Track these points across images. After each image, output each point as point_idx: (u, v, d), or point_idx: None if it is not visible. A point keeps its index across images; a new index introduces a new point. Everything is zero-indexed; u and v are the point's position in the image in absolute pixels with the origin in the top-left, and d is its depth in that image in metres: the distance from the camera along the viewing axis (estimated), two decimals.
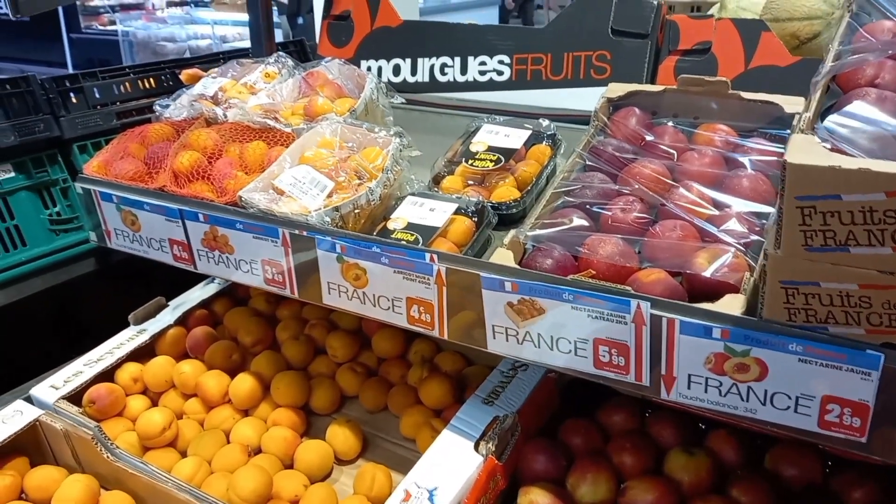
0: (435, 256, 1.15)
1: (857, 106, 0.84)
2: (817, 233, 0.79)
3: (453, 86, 1.87)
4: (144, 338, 1.68)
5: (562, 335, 1.07)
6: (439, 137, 1.60)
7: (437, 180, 1.47)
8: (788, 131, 1.29)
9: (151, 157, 1.54)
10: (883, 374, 0.84)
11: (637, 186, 1.24)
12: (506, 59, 1.79)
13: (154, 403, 1.60)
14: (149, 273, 1.69)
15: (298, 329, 1.74)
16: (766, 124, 1.36)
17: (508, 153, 1.45)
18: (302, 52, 2.46)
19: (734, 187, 1.21)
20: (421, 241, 1.24)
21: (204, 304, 1.82)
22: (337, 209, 1.28)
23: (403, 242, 1.22)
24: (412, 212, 1.32)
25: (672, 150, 1.32)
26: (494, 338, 1.14)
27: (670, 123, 1.40)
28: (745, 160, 1.27)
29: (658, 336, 0.98)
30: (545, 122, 1.54)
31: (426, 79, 1.90)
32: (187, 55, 5.31)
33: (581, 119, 1.57)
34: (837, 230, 0.78)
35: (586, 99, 1.68)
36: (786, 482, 1.26)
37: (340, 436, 1.49)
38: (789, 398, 0.92)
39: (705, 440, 1.35)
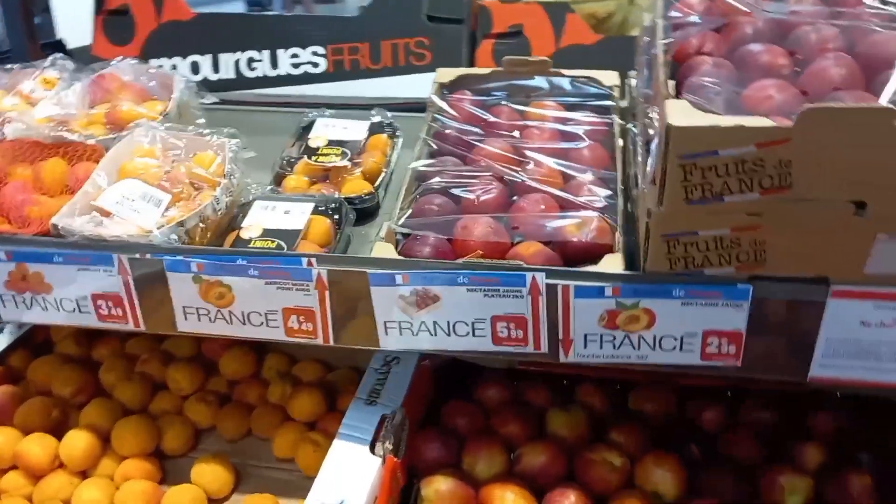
0: (313, 260, 1.07)
1: (704, 72, 0.94)
2: (696, 187, 0.88)
3: (265, 81, 1.76)
4: None
5: (459, 319, 1.06)
6: (267, 137, 1.49)
7: (278, 181, 1.37)
8: (610, 102, 1.42)
9: None
10: (752, 303, 0.96)
11: (490, 165, 1.28)
12: (320, 49, 1.72)
13: None
14: None
15: (127, 368, 1.53)
16: (586, 98, 1.47)
17: (352, 146, 1.40)
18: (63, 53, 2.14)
19: (578, 158, 1.29)
20: (285, 246, 1.15)
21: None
22: (181, 224, 1.14)
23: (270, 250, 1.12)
24: (265, 217, 1.22)
25: (513, 128, 1.37)
26: (387, 334, 1.10)
27: (504, 103, 1.46)
28: (578, 131, 1.37)
29: (554, 304, 1.02)
30: (378, 113, 1.51)
31: (232, 75, 1.77)
32: None
33: (408, 106, 1.58)
34: (714, 182, 0.87)
35: (409, 86, 1.69)
36: (649, 417, 1.40)
37: (208, 473, 1.34)
38: (675, 339, 1.01)
39: (575, 395, 1.44)
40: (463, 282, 1.04)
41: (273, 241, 1.16)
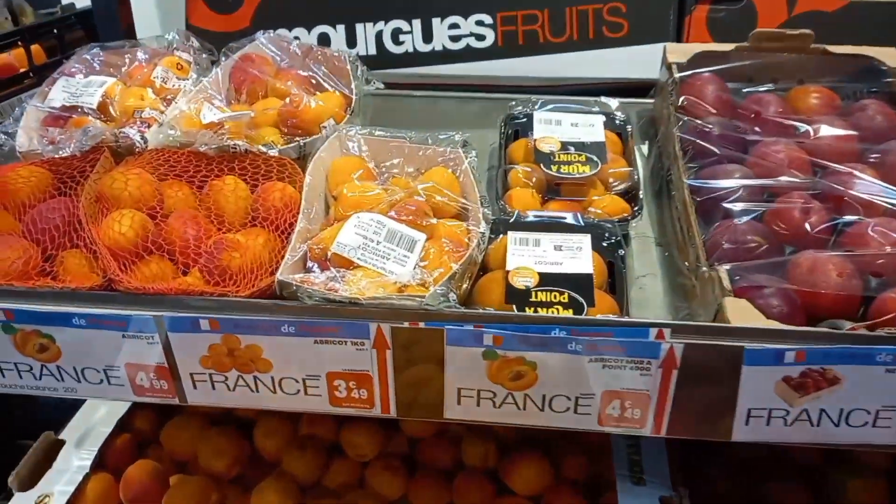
0: (666, 332, 0.78)
1: None
2: None
3: (415, 58, 1.42)
4: None
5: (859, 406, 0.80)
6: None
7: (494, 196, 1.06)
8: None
9: (42, 229, 0.89)
10: None
11: (794, 175, 1.00)
12: (486, 18, 1.39)
13: None
14: None
15: (288, 429, 1.22)
16: (863, 82, 1.19)
17: (596, 150, 1.09)
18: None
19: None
20: (583, 303, 0.86)
21: (121, 424, 1.20)
22: (452, 277, 0.83)
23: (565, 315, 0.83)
24: (527, 254, 0.92)
25: (799, 125, 1.09)
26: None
27: (763, 89, 1.18)
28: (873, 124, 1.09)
29: None
30: (598, 104, 1.20)
31: (373, 51, 1.42)
32: None
33: (603, 89, 1.28)
34: None
35: (601, 65, 1.38)
36: None
37: None
38: None
39: None
40: (883, 360, 0.77)
41: (563, 295, 0.87)
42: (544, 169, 1.06)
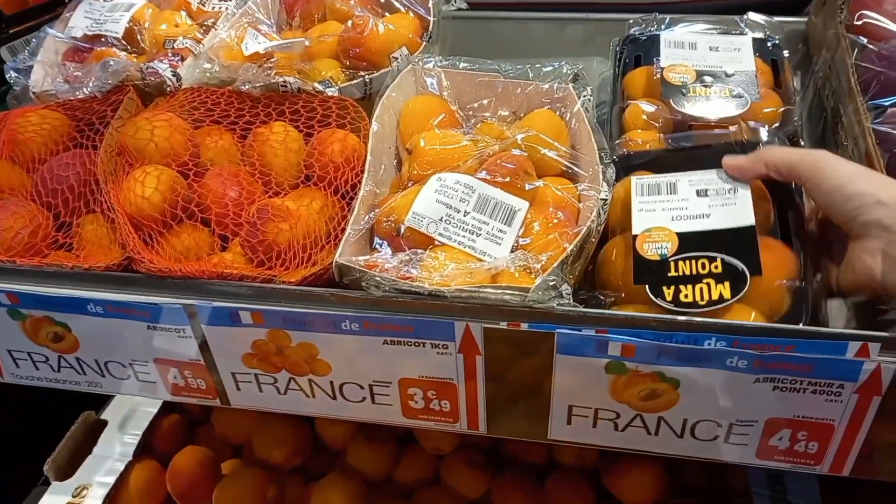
0: (871, 347, 0.56)
1: None
2: None
3: None
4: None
5: None
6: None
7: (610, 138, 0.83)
8: None
9: (53, 190, 0.73)
10: None
11: None
12: None
13: None
14: None
15: None
16: None
17: (745, 82, 0.83)
18: None
19: None
20: (749, 276, 0.62)
21: (169, 403, 1.06)
22: (566, 262, 0.62)
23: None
24: (655, 210, 0.69)
25: None
26: None
27: None
28: None
29: None
30: (744, 21, 0.94)
31: None
32: None
33: (742, 5, 1.01)
34: None
35: None
36: None
37: None
38: None
39: None
40: None
41: (714, 262, 0.63)
42: (675, 105, 0.82)
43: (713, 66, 0.85)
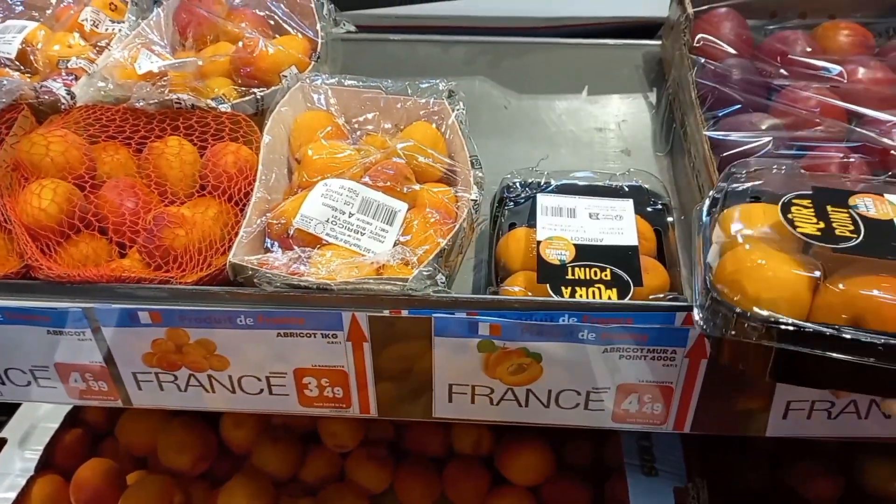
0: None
1: None
2: None
3: None
4: None
5: None
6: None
7: None
8: None
9: None
10: None
11: (834, 123, 0.87)
12: None
13: None
14: None
15: (260, 420, 1.10)
16: (883, 16, 1.06)
17: (624, 262, 0.74)
18: None
19: None
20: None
21: (70, 419, 1.07)
22: (441, 255, 0.70)
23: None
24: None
25: (830, 66, 0.96)
26: None
27: (788, 26, 1.04)
28: None
29: None
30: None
31: None
32: None
33: (605, 29, 1.14)
34: None
35: (603, 0, 1.23)
36: None
37: None
38: None
39: None
40: None
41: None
42: (552, 292, 0.70)
43: (592, 240, 0.76)
